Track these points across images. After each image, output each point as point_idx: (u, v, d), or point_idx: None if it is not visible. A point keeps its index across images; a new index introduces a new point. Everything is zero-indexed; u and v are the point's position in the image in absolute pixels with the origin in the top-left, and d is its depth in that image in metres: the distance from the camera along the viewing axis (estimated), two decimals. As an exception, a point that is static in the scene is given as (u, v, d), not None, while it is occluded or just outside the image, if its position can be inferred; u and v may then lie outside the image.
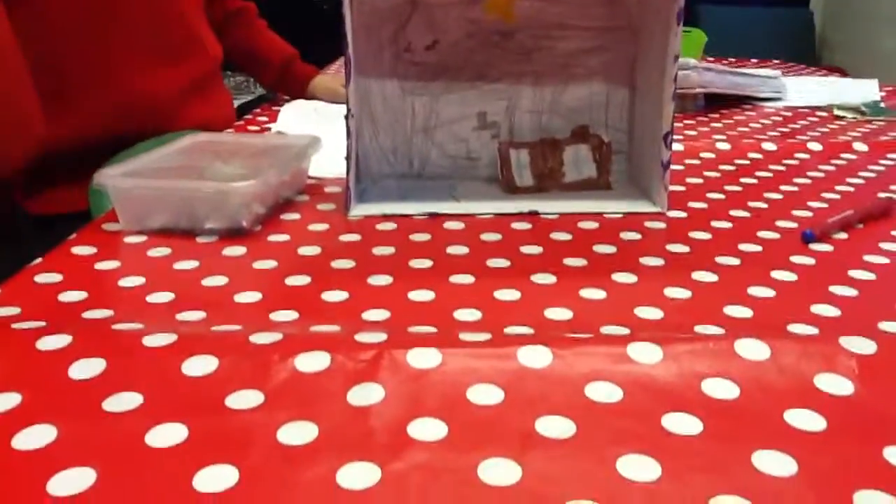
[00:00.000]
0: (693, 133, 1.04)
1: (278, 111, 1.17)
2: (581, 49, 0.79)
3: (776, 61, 1.84)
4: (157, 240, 0.62)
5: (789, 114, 1.18)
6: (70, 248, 0.60)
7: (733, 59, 1.81)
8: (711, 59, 1.69)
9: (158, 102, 1.04)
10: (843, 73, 1.83)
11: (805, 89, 1.39)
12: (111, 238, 0.63)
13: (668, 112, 0.69)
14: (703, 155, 0.93)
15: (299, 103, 1.23)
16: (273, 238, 0.63)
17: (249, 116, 1.16)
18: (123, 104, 1.00)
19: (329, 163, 0.83)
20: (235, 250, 0.60)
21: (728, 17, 3.40)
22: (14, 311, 0.49)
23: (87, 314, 0.49)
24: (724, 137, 1.00)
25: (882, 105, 1.23)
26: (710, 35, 3.78)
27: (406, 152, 0.81)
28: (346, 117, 0.69)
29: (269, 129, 1.06)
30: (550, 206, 0.71)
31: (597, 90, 0.80)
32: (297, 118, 1.13)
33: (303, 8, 2.58)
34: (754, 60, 1.83)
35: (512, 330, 0.46)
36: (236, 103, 1.44)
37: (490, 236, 0.64)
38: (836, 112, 1.18)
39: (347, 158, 0.70)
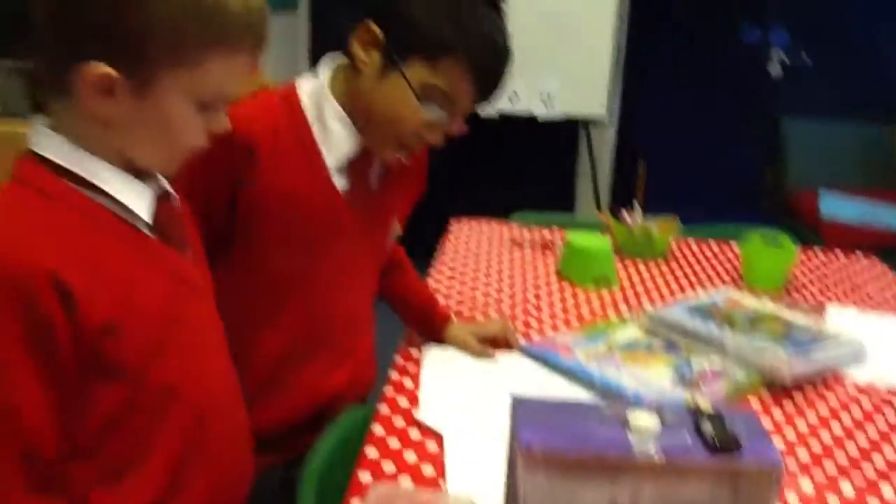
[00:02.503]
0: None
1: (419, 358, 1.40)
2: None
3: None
4: None
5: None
6: None
7: (819, 251, 1.96)
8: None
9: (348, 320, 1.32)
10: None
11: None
12: None
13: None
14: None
15: (438, 353, 1.44)
16: None
17: (396, 376, 1.36)
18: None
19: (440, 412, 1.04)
20: None
21: (812, 133, 3.51)
22: None
23: None
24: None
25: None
26: (794, 153, 3.93)
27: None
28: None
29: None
30: None
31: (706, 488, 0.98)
32: (438, 378, 1.35)
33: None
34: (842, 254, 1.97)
35: None
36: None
37: None
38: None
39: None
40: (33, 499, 0.84)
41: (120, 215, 0.89)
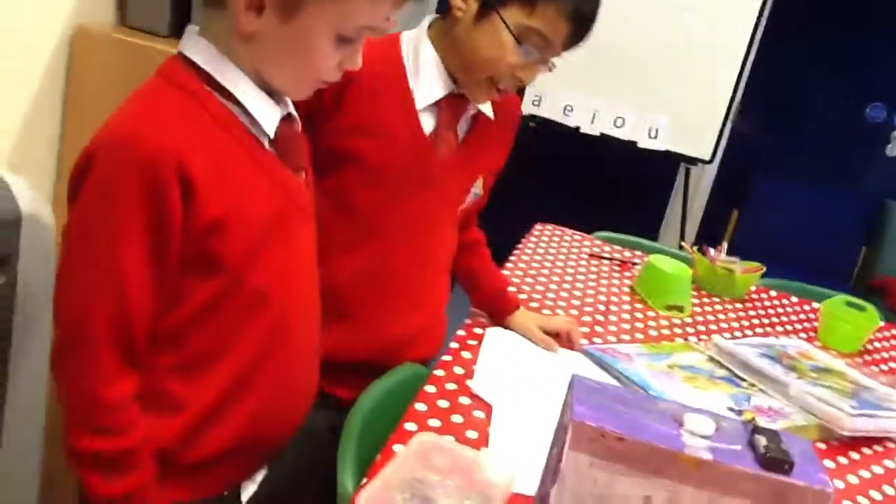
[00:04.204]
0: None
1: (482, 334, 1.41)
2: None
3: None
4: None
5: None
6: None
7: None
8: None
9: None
10: None
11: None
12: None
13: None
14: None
15: (501, 333, 1.45)
16: None
17: (455, 345, 1.38)
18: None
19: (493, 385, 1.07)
20: None
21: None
22: None
23: None
24: None
25: None
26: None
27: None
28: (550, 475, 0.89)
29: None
30: None
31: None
32: (496, 356, 1.36)
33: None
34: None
35: None
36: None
37: None
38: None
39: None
40: (119, 369, 0.88)
41: (247, 126, 0.94)
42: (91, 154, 0.86)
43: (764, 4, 3.19)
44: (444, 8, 1.26)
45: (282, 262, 0.98)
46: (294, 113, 1.01)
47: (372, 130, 1.25)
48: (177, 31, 1.68)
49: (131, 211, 0.84)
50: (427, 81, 1.27)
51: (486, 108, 1.34)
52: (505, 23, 1.19)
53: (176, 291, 0.90)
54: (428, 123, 1.28)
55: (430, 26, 1.29)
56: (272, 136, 0.95)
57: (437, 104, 1.28)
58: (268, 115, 0.94)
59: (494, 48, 1.21)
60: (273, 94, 0.95)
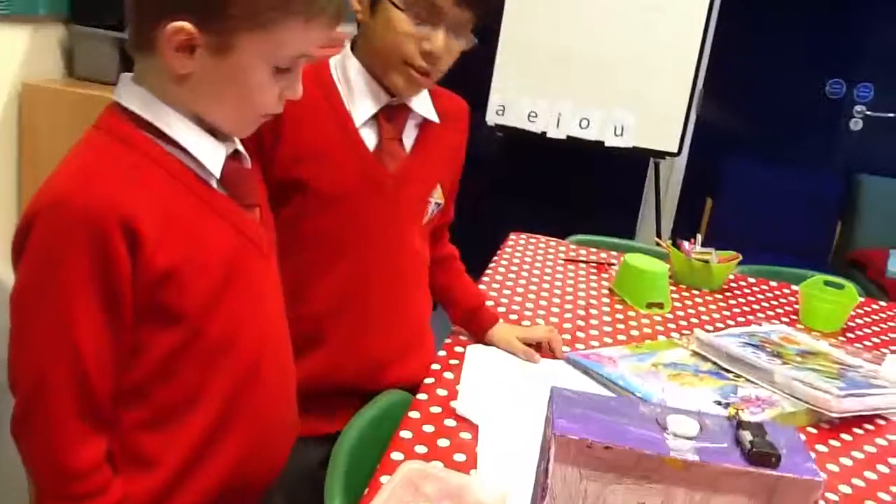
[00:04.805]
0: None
1: (463, 353, 1.39)
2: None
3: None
4: None
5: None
6: None
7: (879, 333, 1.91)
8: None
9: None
10: None
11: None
12: None
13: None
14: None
15: (481, 350, 1.44)
16: None
17: (437, 367, 1.37)
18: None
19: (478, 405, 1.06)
20: None
21: (888, 192, 3.44)
22: None
23: None
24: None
25: None
26: (868, 211, 3.85)
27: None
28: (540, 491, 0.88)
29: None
30: None
31: (740, 500, 0.96)
32: (479, 374, 1.35)
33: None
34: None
35: None
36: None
37: None
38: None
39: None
40: (84, 433, 0.86)
41: (192, 168, 0.92)
42: (32, 216, 0.84)
43: (715, -7, 3.22)
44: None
45: (242, 306, 0.96)
46: (241, 149, 1.00)
47: (314, 157, 1.25)
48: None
49: (77, 271, 0.82)
50: (360, 97, 1.27)
51: (430, 113, 1.33)
52: (391, 1, 1.21)
53: (135, 345, 0.88)
54: (370, 139, 1.29)
55: (352, 45, 1.31)
56: (218, 175, 0.94)
57: (375, 118, 1.28)
58: (211, 154, 0.93)
59: (390, 28, 1.22)
60: (216, 133, 0.94)
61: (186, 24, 0.85)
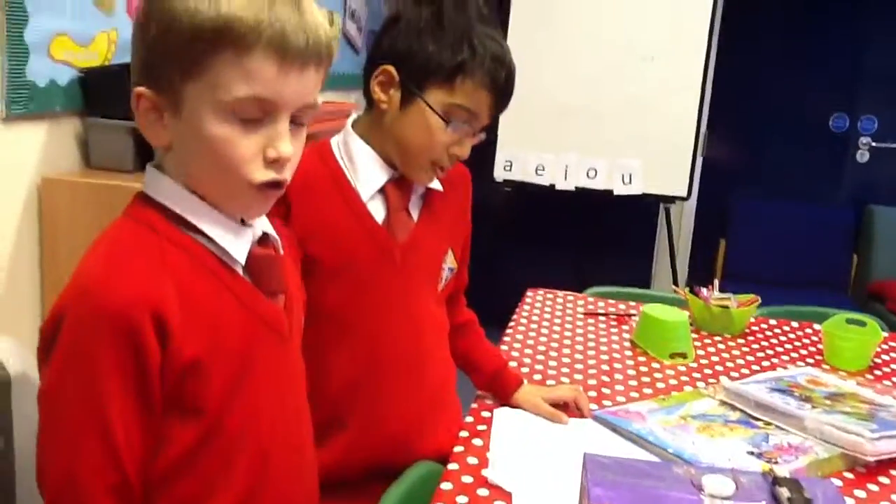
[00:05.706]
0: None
1: (490, 417, 1.39)
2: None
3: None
4: None
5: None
6: None
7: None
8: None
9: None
10: None
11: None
12: None
13: None
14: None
15: (509, 413, 1.44)
16: None
17: (465, 434, 1.36)
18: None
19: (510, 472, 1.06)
20: None
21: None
22: None
23: None
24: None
25: None
26: (882, 241, 3.83)
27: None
28: None
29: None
30: None
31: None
32: (508, 439, 1.34)
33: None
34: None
35: None
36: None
37: None
38: None
39: None
40: None
41: (217, 255, 0.93)
42: (60, 313, 0.84)
43: (711, 33, 3.26)
44: (369, 104, 1.32)
45: (260, 395, 0.95)
46: (272, 232, 1.00)
47: (324, 235, 1.27)
48: (142, 165, 1.70)
49: (109, 363, 0.83)
50: (366, 173, 1.30)
51: (433, 182, 1.36)
52: (430, 106, 1.24)
53: (160, 437, 0.88)
54: (378, 212, 1.31)
55: (354, 124, 1.33)
56: (244, 262, 0.95)
57: (382, 191, 1.31)
58: (234, 242, 0.93)
59: (425, 132, 1.25)
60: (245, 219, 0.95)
61: (143, 89, 0.86)
